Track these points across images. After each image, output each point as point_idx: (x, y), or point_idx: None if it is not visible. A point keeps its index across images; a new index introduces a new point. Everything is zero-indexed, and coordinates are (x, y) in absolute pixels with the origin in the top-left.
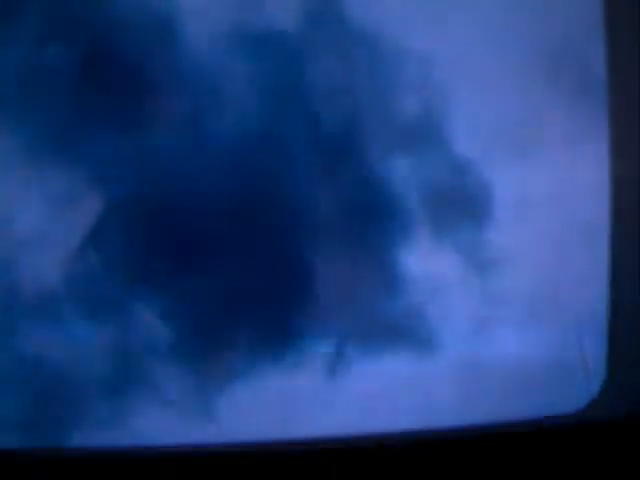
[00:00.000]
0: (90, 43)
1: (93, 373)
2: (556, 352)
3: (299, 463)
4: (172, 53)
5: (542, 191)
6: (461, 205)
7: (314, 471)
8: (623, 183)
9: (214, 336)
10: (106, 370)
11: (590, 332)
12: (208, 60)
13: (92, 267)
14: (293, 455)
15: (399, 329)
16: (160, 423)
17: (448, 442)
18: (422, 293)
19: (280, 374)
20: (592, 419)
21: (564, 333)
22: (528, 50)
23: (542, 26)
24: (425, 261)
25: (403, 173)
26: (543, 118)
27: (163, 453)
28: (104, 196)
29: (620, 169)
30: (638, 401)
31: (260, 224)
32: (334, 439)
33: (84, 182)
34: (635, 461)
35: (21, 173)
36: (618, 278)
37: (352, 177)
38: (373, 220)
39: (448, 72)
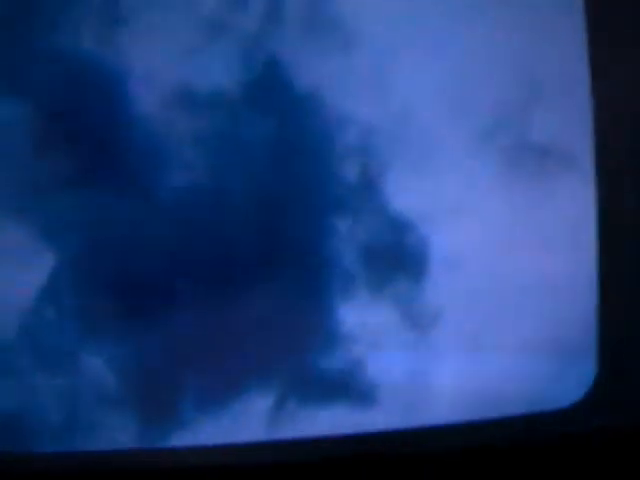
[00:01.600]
0: (39, 102)
1: (45, 419)
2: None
3: None
4: (119, 113)
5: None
6: (398, 262)
7: None
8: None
9: (160, 387)
10: (57, 416)
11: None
12: (156, 120)
13: (46, 320)
14: None
15: (338, 383)
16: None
17: None
18: (361, 347)
19: (223, 424)
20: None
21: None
22: (461, 115)
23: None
24: (363, 317)
25: (342, 232)
26: (478, 182)
27: None
28: (57, 252)
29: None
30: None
31: (204, 281)
32: None
33: (36, 238)
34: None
35: None
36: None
37: (292, 236)
38: (313, 277)
39: (386, 137)
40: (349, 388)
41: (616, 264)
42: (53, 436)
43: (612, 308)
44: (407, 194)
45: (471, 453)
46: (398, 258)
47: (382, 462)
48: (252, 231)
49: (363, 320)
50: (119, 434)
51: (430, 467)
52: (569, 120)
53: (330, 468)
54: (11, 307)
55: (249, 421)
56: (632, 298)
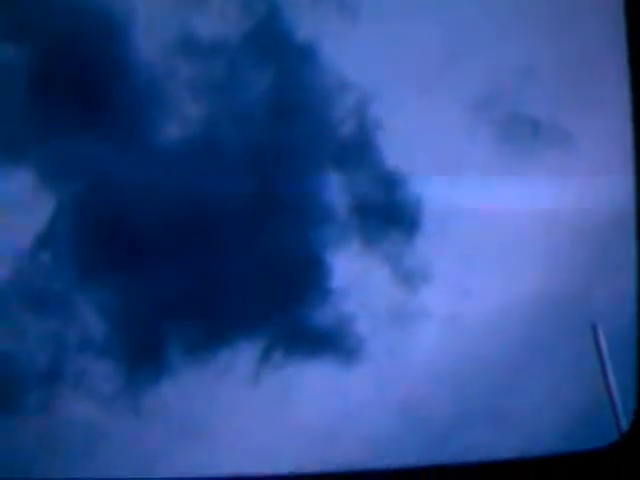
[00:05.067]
0: (40, 47)
1: (32, 362)
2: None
3: None
4: (122, 58)
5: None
6: (391, 218)
7: None
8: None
9: (149, 334)
10: (44, 360)
11: None
12: (156, 68)
13: (41, 263)
14: None
15: (326, 337)
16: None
17: None
18: (350, 302)
19: (209, 373)
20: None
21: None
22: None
23: None
24: (355, 271)
25: (336, 186)
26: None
27: None
28: (54, 196)
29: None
30: None
31: (198, 231)
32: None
33: (35, 182)
34: None
35: None
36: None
37: (287, 187)
38: (307, 230)
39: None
40: (336, 343)
41: None
42: (38, 380)
43: None
44: (402, 154)
45: None
46: (391, 214)
47: None
48: (247, 182)
49: (354, 275)
50: (104, 382)
51: None
52: None
53: None
54: (8, 250)
55: (235, 373)
56: None
